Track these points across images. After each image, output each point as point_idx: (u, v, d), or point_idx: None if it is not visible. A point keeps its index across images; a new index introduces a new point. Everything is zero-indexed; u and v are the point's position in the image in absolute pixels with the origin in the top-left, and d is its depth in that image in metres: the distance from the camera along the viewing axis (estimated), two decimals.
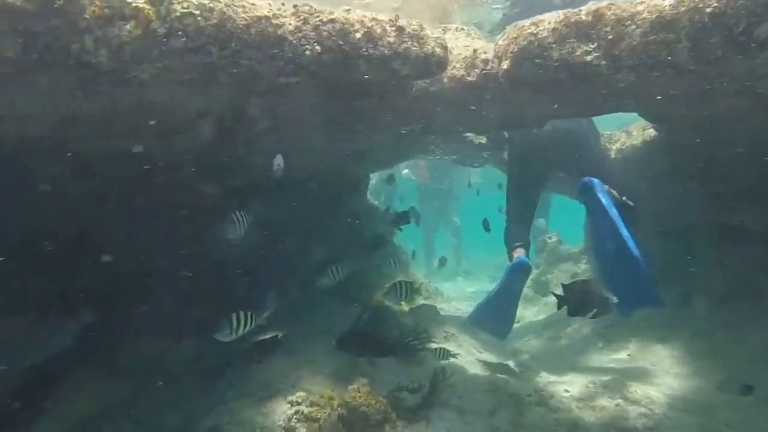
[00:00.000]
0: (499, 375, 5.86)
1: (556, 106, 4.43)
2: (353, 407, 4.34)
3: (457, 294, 14.03)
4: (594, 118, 6.63)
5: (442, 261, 11.56)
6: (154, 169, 5.04)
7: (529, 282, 12.04)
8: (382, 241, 7.82)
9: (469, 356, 6.56)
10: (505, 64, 4.03)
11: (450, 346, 6.87)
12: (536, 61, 3.90)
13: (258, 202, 6.49)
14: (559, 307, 4.72)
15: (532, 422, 4.72)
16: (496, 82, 4.31)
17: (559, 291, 4.68)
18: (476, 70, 4.31)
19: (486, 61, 4.30)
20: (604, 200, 5.03)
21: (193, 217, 5.73)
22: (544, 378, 5.88)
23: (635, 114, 5.67)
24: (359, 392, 4.43)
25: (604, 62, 3.74)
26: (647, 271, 4.95)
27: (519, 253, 5.93)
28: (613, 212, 4.98)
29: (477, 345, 7.49)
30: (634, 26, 3.65)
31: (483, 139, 8.09)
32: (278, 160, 4.31)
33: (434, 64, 3.75)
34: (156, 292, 5.25)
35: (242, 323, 4.28)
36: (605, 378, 5.54)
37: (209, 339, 5.12)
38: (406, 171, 16.85)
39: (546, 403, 4.98)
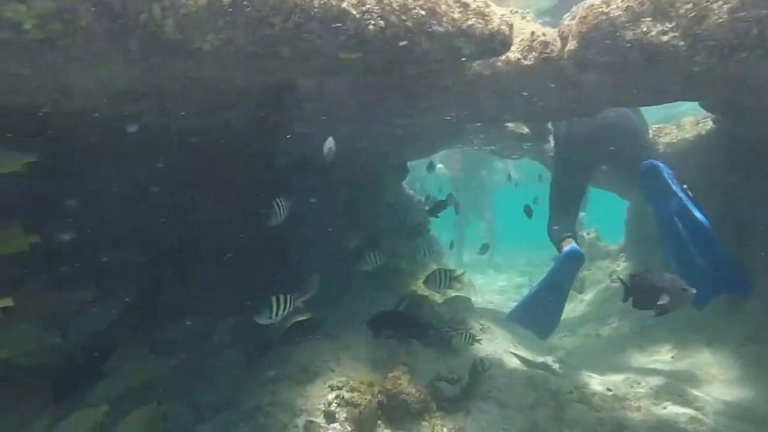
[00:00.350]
0: (537, 370, 5.74)
1: (621, 91, 4.22)
2: (393, 395, 4.30)
3: (489, 287, 13.90)
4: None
5: (484, 248, 11.27)
6: (199, 147, 5.07)
7: None
8: (421, 230, 7.73)
9: (505, 350, 6.44)
10: (572, 45, 3.85)
11: (485, 339, 6.80)
12: (606, 41, 3.69)
13: (300, 185, 6.50)
14: (624, 299, 4.43)
15: (574, 419, 4.61)
16: (556, 66, 4.14)
17: (616, 282, 4.45)
18: (533, 54, 4.15)
19: (545, 44, 4.13)
20: (673, 184, 4.77)
21: (236, 198, 5.76)
22: (584, 375, 5.74)
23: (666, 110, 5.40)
24: (400, 380, 4.38)
25: (682, 43, 3.52)
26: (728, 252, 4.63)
27: (569, 244, 5.66)
28: (684, 194, 4.71)
29: (512, 339, 7.36)
30: (721, 1, 3.42)
31: (525, 130, 7.89)
32: (329, 143, 4.26)
33: (499, 42, 3.58)
34: (201, 270, 5.30)
35: (282, 306, 4.26)
36: (649, 379, 5.37)
37: (250, 319, 5.15)
38: (440, 166, 16.66)
39: (588, 400, 4.85)
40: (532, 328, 6.42)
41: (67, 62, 2.60)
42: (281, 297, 4.26)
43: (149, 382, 4.88)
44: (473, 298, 10.05)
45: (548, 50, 4.09)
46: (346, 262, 7.11)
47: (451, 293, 9.66)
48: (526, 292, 12.71)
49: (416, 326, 5.85)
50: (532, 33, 4.19)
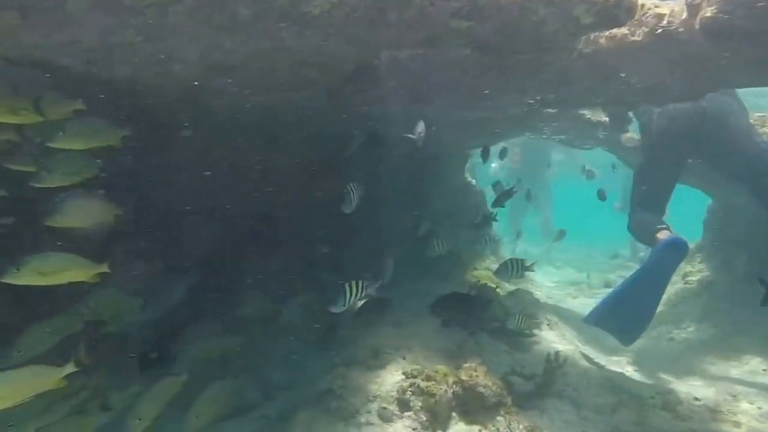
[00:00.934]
0: (612, 370, 5.46)
1: (754, 68, 3.77)
2: (469, 386, 4.16)
3: (544, 281, 13.49)
4: None
5: (561, 234, 10.77)
6: (275, 125, 5.02)
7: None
8: (490, 219, 7.50)
9: (575, 348, 6.17)
10: (708, 11, 3.44)
11: (552, 335, 6.54)
12: (759, 3, 3.27)
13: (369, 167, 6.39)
14: (763, 303, 4.01)
15: (659, 427, 4.33)
16: (674, 41, 3.74)
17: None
18: (643, 28, 3.80)
19: (659, 17, 3.74)
20: None
21: (309, 178, 5.72)
22: (664, 380, 5.42)
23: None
24: (476, 372, 4.23)
25: None
26: None
27: (665, 235, 5.09)
28: None
29: (579, 337, 7.09)
30: None
31: (603, 117, 7.49)
32: (420, 127, 4.09)
33: (625, 9, 3.24)
34: (271, 252, 5.31)
35: (354, 293, 4.15)
36: (743, 390, 5.00)
37: (320, 298, 5.09)
38: (494, 165, 16.22)
39: (673, 408, 4.55)
40: (615, 331, 5.60)
41: (175, 31, 2.55)
42: (354, 283, 4.15)
43: (221, 357, 4.95)
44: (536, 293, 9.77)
45: (664, 23, 3.72)
46: (409, 247, 7.01)
47: (509, 287, 9.45)
48: (585, 288, 12.29)
49: (482, 316, 5.69)
50: (642, 6, 3.82)
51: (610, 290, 11.29)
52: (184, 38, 2.69)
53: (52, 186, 3.51)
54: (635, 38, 3.82)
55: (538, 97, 5.01)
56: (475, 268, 9.56)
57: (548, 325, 6.76)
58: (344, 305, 4.09)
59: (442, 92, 4.89)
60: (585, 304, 10.65)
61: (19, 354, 3.61)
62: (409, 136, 4.15)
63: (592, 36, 3.88)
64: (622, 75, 4.19)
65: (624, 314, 5.23)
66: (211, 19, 2.56)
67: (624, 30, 3.86)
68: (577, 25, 3.21)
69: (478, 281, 7.59)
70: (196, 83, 3.36)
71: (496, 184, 10.09)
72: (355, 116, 5.40)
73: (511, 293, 7.41)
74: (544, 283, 13.27)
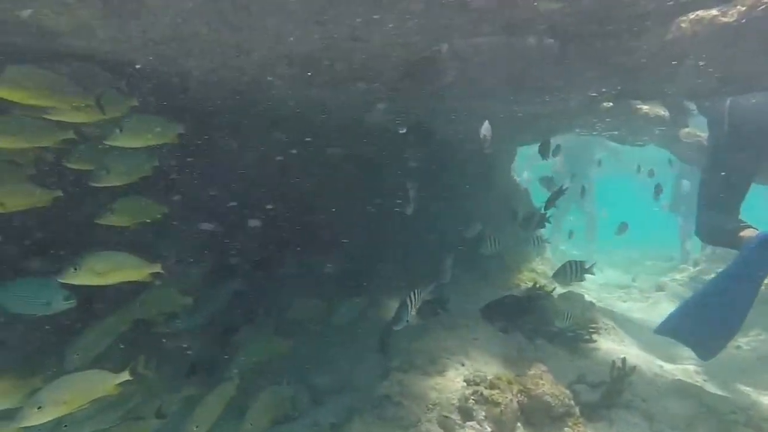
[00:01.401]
0: (682, 379, 5.12)
1: None
2: (535, 396, 3.92)
3: (589, 283, 13.01)
4: None
5: (623, 227, 10.24)
6: (328, 122, 4.89)
7: (685, 279, 10.83)
8: (542, 220, 7.21)
9: (637, 354, 5.84)
10: None
11: (611, 340, 6.23)
12: None
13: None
14: None
15: None
16: None
17: None
18: (738, 8, 3.46)
19: None
20: None
21: (361, 179, 5.59)
22: (740, 392, 5.05)
23: None
24: (542, 380, 3.99)
25: None
26: None
27: (753, 232, 4.60)
28: None
29: (637, 343, 6.73)
30: None
31: (663, 112, 7.11)
32: (486, 129, 3.89)
33: None
34: (323, 255, 5.19)
35: (415, 304, 3.95)
36: None
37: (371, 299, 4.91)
38: (526, 174, 15.78)
39: (759, 427, 4.19)
40: (693, 343, 5.02)
41: (246, 19, 2.42)
42: (412, 296, 3.95)
43: (270, 361, 4.83)
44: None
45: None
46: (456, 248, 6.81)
47: (560, 289, 9.12)
48: (634, 291, 11.78)
49: (539, 321, 5.45)
50: None
51: (660, 294, 10.90)
52: (254, 27, 2.55)
53: (110, 185, 3.45)
54: (727, 19, 3.50)
55: (605, 90, 4.71)
56: (522, 270, 9.30)
57: (606, 329, 6.45)
58: (407, 321, 3.91)
59: (504, 85, 4.68)
60: (636, 308, 10.22)
61: (77, 357, 3.55)
62: (483, 134, 3.95)
63: (676, 19, 3.58)
64: (701, 63, 3.89)
65: (705, 324, 4.66)
66: (285, 6, 2.41)
67: (713, 12, 3.55)
68: (676, 2, 2.94)
69: (536, 284, 7.29)
70: (254, 77, 3.23)
71: (544, 179, 9.74)
72: (410, 114, 5.24)
73: (563, 296, 7.11)
74: (590, 286, 12.82)
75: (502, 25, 3.12)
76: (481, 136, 3.95)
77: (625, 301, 10.44)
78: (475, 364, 4.38)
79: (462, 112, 5.81)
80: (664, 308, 9.96)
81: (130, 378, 3.04)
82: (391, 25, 2.81)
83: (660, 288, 10.65)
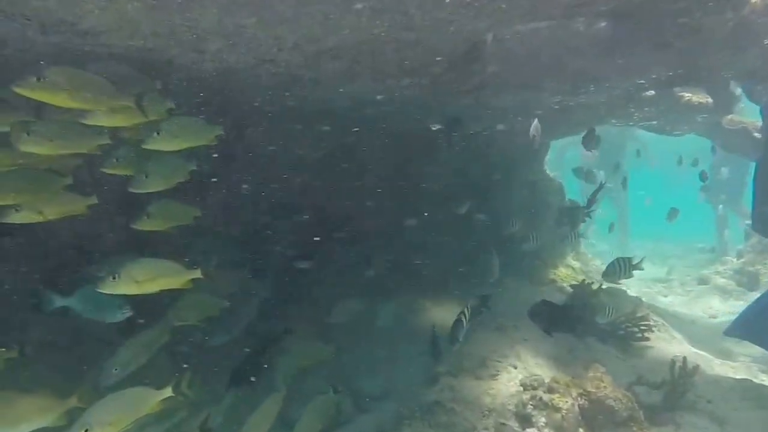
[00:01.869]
0: (747, 379, 4.84)
1: None
2: (597, 399, 3.70)
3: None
4: None
5: (673, 213, 9.87)
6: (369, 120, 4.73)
7: (729, 272, 10.42)
8: (579, 214, 6.96)
9: (694, 352, 5.56)
10: None
11: (663, 338, 5.95)
12: None
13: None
14: None
15: None
16: None
17: None
18: None
19: None
20: None
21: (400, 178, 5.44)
22: None
23: None
24: (603, 382, 3.77)
25: None
26: None
27: None
28: None
29: (688, 339, 6.44)
30: None
31: (707, 99, 6.80)
32: (534, 129, 3.70)
33: None
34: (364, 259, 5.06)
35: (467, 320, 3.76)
36: None
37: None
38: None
39: None
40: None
41: (290, 10, 2.27)
42: (465, 311, 3.76)
43: (313, 368, 4.70)
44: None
45: None
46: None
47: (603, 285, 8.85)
48: (675, 285, 11.38)
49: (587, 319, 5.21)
50: None
51: (703, 287, 10.49)
52: (298, 19, 2.40)
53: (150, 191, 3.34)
54: None
55: (655, 76, 4.47)
56: (557, 266, 9.04)
57: (655, 326, 6.17)
58: (460, 340, 3.75)
59: (546, 76, 4.47)
60: (678, 302, 9.86)
61: (116, 372, 3.44)
62: (532, 134, 3.77)
63: None
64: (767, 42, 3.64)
65: None
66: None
67: None
68: None
69: (584, 281, 7.02)
70: (294, 72, 3.09)
71: (580, 170, 9.42)
72: (451, 107, 5.07)
73: (609, 293, 6.84)
74: (626, 281, 12.43)
75: (561, 8, 2.92)
76: (531, 136, 3.75)
77: (666, 296, 10.09)
78: (528, 367, 4.18)
79: (497, 106, 5.63)
80: (706, 302, 9.60)
81: (173, 394, 2.96)
82: (448, 12, 2.63)
83: (703, 281, 10.26)
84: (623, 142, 15.76)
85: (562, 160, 16.25)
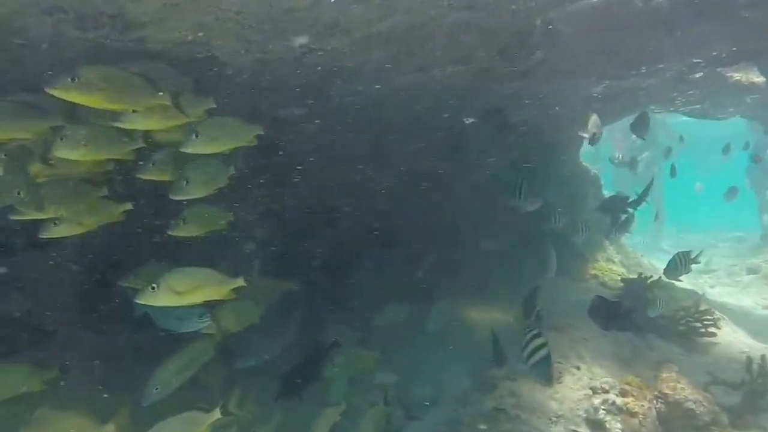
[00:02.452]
0: None
1: None
2: (675, 402, 3.43)
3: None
4: None
5: (732, 192, 9.41)
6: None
7: None
8: (627, 205, 6.63)
9: (763, 347, 5.21)
10: None
11: (724, 332, 5.60)
12: None
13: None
14: None
15: None
16: None
17: None
18: None
19: None
20: None
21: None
22: None
23: None
24: (679, 383, 3.48)
25: None
26: None
27: None
28: None
29: (749, 333, 6.08)
30: None
31: (758, 78, 6.43)
32: (594, 126, 3.44)
33: None
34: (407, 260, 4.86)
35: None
36: None
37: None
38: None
39: None
40: None
41: None
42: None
43: (360, 375, 4.49)
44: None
45: None
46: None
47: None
48: (722, 275, 10.88)
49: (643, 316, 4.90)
50: None
51: (752, 277, 10.01)
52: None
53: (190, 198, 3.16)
54: None
55: (715, 53, 4.17)
56: (597, 260, 8.71)
57: (716, 320, 5.82)
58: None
59: (595, 59, 4.21)
60: (726, 293, 9.42)
61: (157, 391, 3.26)
62: (582, 134, 3.52)
63: None
64: None
65: None
66: None
67: None
68: None
69: (641, 274, 6.67)
70: (337, 63, 2.88)
71: (617, 159, 9.04)
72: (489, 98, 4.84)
73: (666, 288, 6.48)
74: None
75: None
76: (590, 133, 3.49)
77: (713, 287, 9.66)
78: (592, 368, 3.91)
79: (538, 94, 5.38)
80: (758, 292, 9.15)
81: (221, 416, 2.80)
82: None
83: (752, 270, 9.79)
84: (655, 129, 15.27)
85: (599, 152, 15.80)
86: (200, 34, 2.33)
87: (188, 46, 2.48)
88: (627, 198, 7.29)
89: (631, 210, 6.44)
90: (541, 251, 4.66)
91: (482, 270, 6.16)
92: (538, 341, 2.82)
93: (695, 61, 4.41)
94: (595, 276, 8.17)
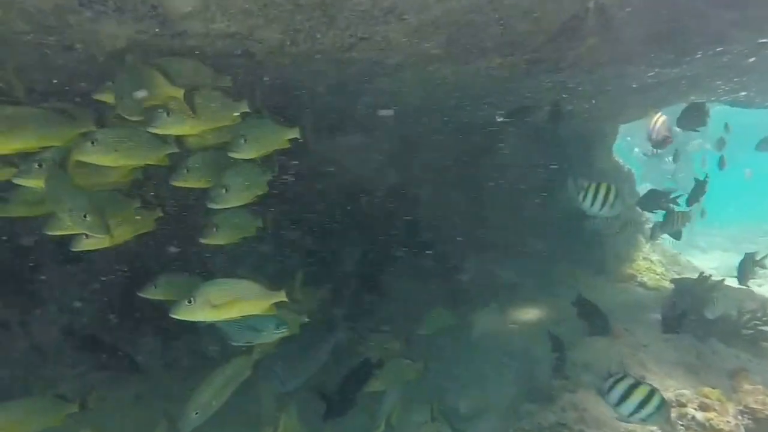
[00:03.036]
0: None
1: None
2: (764, 419, 3.10)
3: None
4: None
5: None
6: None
7: None
8: (669, 201, 6.29)
9: None
10: None
11: None
12: None
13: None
14: None
15: None
16: None
17: None
18: None
19: None
20: None
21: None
22: None
23: None
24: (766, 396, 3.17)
25: None
26: None
27: None
28: None
29: None
30: None
31: None
32: (666, 128, 3.18)
33: None
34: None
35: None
36: None
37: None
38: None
39: None
40: None
41: None
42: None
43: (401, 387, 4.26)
44: None
45: None
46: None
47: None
48: None
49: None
50: None
51: None
52: None
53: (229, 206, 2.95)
54: None
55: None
56: (633, 259, 8.39)
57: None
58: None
59: (647, 45, 3.94)
60: None
61: (196, 416, 3.06)
62: (655, 138, 3.25)
63: None
64: None
65: None
66: None
67: None
68: None
69: (702, 274, 6.33)
70: (383, 54, 2.65)
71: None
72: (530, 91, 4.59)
73: (729, 289, 6.13)
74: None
75: None
76: (661, 137, 3.21)
77: (760, 285, 9.22)
78: (659, 378, 3.61)
79: (577, 87, 5.11)
80: None
81: None
82: None
83: None
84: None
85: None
86: (245, 23, 2.11)
87: (228, 40, 2.26)
88: (668, 193, 6.93)
89: (682, 207, 6.08)
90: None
91: (517, 270, 5.93)
92: (642, 389, 2.40)
93: (762, 41, 4.10)
94: (633, 276, 7.88)
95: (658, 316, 4.13)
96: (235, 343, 3.34)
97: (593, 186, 3.17)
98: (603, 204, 3.13)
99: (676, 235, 5.13)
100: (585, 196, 3.03)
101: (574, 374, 3.78)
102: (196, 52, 2.41)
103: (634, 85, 5.71)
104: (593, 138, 7.69)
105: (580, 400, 3.48)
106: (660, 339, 4.20)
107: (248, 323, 2.85)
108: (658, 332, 4.28)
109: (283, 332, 2.87)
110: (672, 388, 3.37)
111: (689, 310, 4.28)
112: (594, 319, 3.37)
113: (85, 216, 2.28)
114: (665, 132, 3.31)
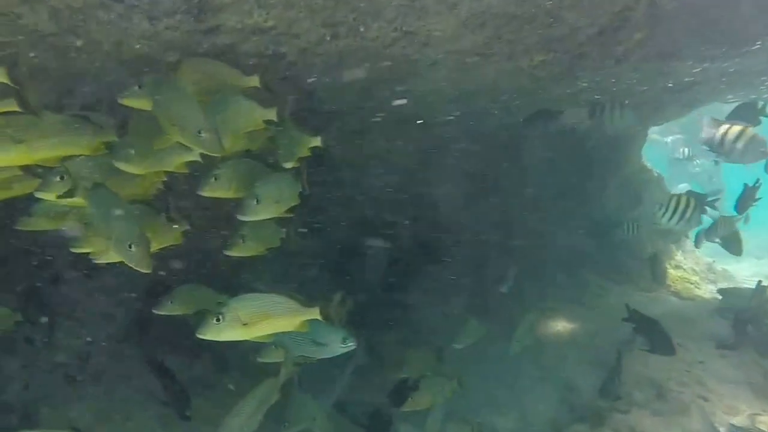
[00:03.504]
0: None
1: None
2: None
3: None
4: None
5: None
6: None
7: None
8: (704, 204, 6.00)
9: None
10: None
11: None
12: None
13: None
14: None
15: None
16: None
17: None
18: None
19: None
20: None
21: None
22: None
23: None
24: None
25: None
26: None
27: None
28: None
29: None
30: None
31: None
32: (707, 131, 2.98)
33: None
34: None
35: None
36: None
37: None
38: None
39: None
40: None
41: None
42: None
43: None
44: None
45: None
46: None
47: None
48: None
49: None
50: None
51: None
52: None
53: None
54: None
55: None
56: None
57: None
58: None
59: (701, 36, 3.71)
60: None
61: None
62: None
63: None
64: None
65: None
66: None
67: None
68: None
69: (761, 282, 6.01)
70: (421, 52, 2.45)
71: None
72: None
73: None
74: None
75: None
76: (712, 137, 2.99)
77: None
78: (722, 398, 3.34)
79: (611, 87, 4.88)
80: None
81: None
82: None
83: None
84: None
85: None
86: (285, 15, 1.93)
87: (264, 36, 2.08)
88: (705, 197, 6.62)
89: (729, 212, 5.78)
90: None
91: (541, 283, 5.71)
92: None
93: None
94: (666, 285, 7.58)
95: (712, 329, 3.85)
96: (263, 360, 3.19)
97: (674, 199, 3.02)
98: (681, 218, 2.97)
99: (731, 247, 4.84)
100: (665, 212, 2.89)
101: (624, 392, 3.52)
102: (226, 53, 2.24)
103: (670, 84, 5.47)
104: (623, 140, 7.44)
105: (637, 422, 3.23)
106: (715, 355, 3.93)
107: (310, 335, 2.71)
108: (712, 347, 4.01)
109: (350, 346, 2.75)
110: (740, 410, 3.09)
111: (750, 323, 4.00)
112: (653, 335, 3.12)
113: (130, 246, 2.16)
114: (707, 134, 3.09)
